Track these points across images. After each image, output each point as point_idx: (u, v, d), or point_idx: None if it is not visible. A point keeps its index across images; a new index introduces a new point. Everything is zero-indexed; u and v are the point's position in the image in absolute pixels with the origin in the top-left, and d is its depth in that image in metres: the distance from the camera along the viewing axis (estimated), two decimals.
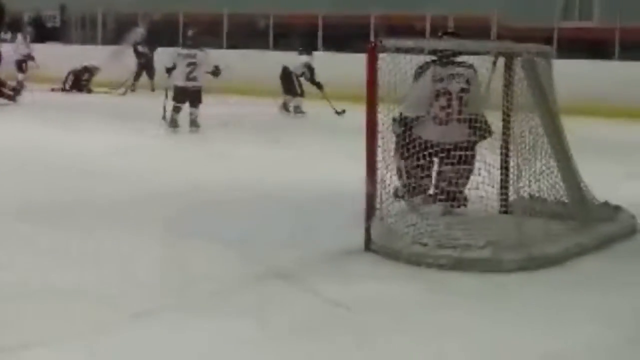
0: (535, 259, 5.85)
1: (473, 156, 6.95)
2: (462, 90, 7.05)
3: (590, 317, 4.90)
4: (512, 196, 6.79)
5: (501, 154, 6.97)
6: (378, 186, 6.31)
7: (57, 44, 24.77)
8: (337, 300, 5.04)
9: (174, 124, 13.34)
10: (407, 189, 6.88)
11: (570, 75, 11.86)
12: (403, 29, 17.93)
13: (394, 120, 6.82)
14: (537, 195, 6.75)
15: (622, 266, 6.05)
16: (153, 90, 19.77)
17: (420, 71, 7.05)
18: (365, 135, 6.27)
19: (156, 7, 22.62)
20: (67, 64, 20.52)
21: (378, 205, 6.30)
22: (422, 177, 6.90)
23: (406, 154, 6.89)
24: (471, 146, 6.97)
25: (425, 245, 5.91)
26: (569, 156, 6.84)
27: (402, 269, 5.80)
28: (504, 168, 6.97)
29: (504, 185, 6.94)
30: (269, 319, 4.74)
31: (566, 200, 6.82)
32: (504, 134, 6.92)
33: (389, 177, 6.45)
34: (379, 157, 6.32)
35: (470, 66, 7.09)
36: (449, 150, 6.87)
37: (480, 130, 6.91)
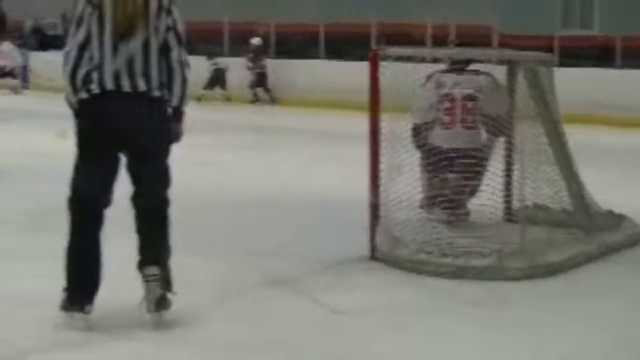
0: (539, 267, 5.85)
1: (482, 164, 6.89)
2: (469, 96, 7.05)
3: (592, 325, 4.89)
4: (516, 204, 6.78)
5: (505, 162, 6.95)
6: (382, 194, 6.30)
7: (59, 52, 24.65)
8: (338, 307, 5.04)
9: None
10: (427, 200, 6.85)
11: (572, 83, 11.89)
12: (402, 37, 17.94)
13: (412, 132, 6.87)
14: (541, 203, 6.74)
15: (625, 274, 6.05)
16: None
17: (427, 79, 7.09)
18: (369, 143, 6.26)
19: None
20: None
21: (382, 214, 6.29)
22: (440, 187, 6.87)
23: (424, 165, 6.90)
24: (481, 154, 6.95)
25: (429, 253, 5.91)
26: (572, 164, 6.83)
27: (407, 277, 5.79)
28: (508, 176, 6.95)
29: (507, 194, 6.92)
30: (269, 327, 4.73)
31: (570, 209, 6.81)
32: (507, 142, 6.91)
33: (393, 186, 6.43)
34: (382, 165, 6.32)
35: (487, 74, 7.07)
36: (456, 157, 6.84)
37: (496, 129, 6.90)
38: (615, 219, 7.00)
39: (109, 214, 4.63)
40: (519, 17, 18.16)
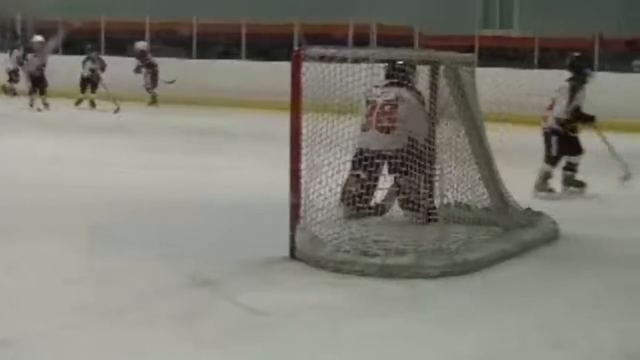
0: (458, 265, 5.90)
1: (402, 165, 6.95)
2: (387, 102, 7.12)
3: (510, 321, 4.96)
4: (436, 203, 6.84)
5: (426, 161, 7.00)
6: (302, 194, 6.30)
7: None
8: (260, 309, 5.02)
9: None
10: (345, 196, 6.90)
11: (491, 83, 12.03)
12: (324, 37, 17.99)
13: None
14: (461, 202, 6.81)
15: (543, 271, 6.14)
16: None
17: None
18: (290, 143, 6.25)
19: (77, 15, 22.29)
20: None
21: (302, 214, 6.29)
22: (355, 186, 6.94)
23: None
24: (398, 156, 6.99)
25: (348, 252, 5.92)
26: (492, 163, 6.91)
27: (327, 277, 5.79)
28: (429, 175, 7.00)
29: (428, 193, 6.98)
30: (191, 327, 4.70)
31: (490, 207, 6.90)
32: (428, 141, 6.97)
33: (313, 186, 6.44)
34: (303, 165, 6.31)
35: (414, 89, 7.14)
36: (369, 157, 6.94)
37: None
38: (533, 217, 7.10)
39: None
40: (440, 17, 18.34)
